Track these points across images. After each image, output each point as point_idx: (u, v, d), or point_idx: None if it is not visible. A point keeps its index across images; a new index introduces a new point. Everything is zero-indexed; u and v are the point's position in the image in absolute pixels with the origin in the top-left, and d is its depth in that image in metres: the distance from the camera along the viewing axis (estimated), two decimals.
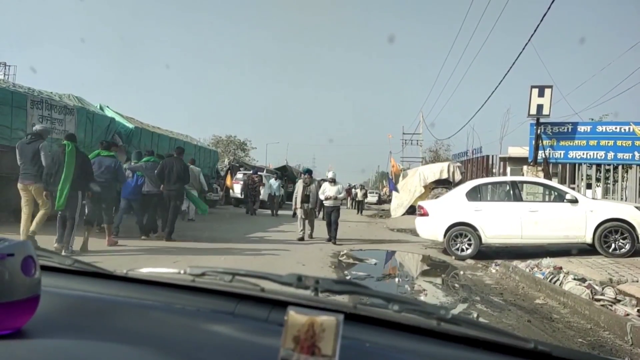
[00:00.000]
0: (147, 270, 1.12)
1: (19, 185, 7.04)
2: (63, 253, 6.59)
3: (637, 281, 5.98)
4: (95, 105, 12.96)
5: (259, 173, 20.53)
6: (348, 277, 6.82)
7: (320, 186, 11.26)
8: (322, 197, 10.55)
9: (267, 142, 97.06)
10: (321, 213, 12.61)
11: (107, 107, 13.50)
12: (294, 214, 14.91)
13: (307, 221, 10.75)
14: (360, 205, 25.41)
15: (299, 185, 10.99)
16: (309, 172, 11.56)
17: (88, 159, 7.34)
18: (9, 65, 30.43)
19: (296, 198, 10.83)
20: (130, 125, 13.49)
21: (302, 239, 10.46)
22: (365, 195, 27.33)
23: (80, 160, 6.95)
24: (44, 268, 0.90)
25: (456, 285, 6.84)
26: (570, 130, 13.26)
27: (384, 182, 46.33)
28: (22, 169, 7.02)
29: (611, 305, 5.19)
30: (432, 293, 6.18)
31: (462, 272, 7.71)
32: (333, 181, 10.82)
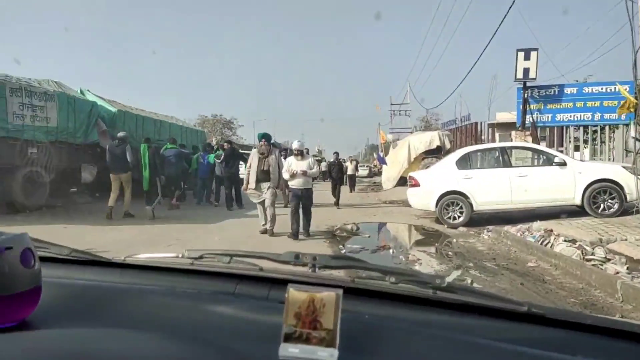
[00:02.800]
0: (145, 256, 1.12)
1: (112, 176, 9.75)
2: (151, 213, 9.57)
3: (626, 239, 6.11)
4: (76, 89, 12.73)
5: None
6: (343, 251, 6.89)
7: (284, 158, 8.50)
8: (286, 175, 7.59)
9: (254, 120, 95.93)
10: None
11: (88, 91, 13.27)
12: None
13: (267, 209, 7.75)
14: (351, 181, 21.40)
15: (252, 157, 7.86)
16: (265, 137, 7.94)
17: (158, 153, 10.85)
18: None
19: (249, 175, 7.83)
20: (113, 109, 13.30)
21: (265, 232, 7.76)
22: (356, 169, 23.58)
23: (152, 155, 10.21)
24: (43, 259, 0.90)
25: (450, 253, 6.94)
26: (557, 92, 13.29)
27: (374, 154, 46.40)
28: (112, 164, 9.72)
29: (602, 265, 5.32)
30: (426, 262, 6.28)
31: (455, 240, 7.82)
32: (300, 153, 7.73)
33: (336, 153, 16.12)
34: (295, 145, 7.99)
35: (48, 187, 10.49)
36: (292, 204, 7.73)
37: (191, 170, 13.15)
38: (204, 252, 1.04)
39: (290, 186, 7.77)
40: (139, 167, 9.92)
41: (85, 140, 11.78)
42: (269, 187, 7.67)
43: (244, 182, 8.06)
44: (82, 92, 12.99)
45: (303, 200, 7.67)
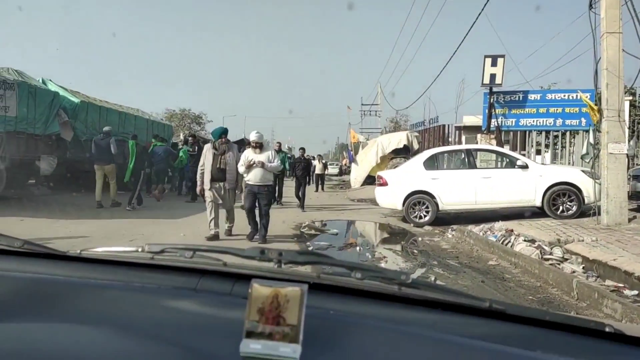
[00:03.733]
0: (102, 250, 1.08)
1: (96, 166, 10.44)
2: (127, 208, 10.08)
3: (583, 240, 6.34)
4: (38, 79, 12.27)
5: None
6: (310, 248, 6.89)
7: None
8: (241, 169, 6.77)
9: (223, 115, 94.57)
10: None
11: (50, 80, 12.82)
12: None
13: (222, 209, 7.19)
14: (320, 180, 20.51)
15: (207, 153, 7.07)
16: (224, 133, 7.14)
17: (145, 150, 11.28)
18: None
19: (202, 173, 7.06)
20: (76, 100, 12.93)
21: (214, 237, 6.94)
22: (325, 167, 22.70)
23: (140, 151, 10.70)
24: None
25: (415, 251, 7.05)
26: (521, 98, 13.69)
27: (344, 153, 46.62)
28: (98, 156, 10.45)
29: (559, 264, 5.51)
30: (392, 260, 6.36)
31: (420, 239, 7.95)
32: (258, 145, 6.81)
33: (302, 149, 14.35)
34: (253, 136, 6.91)
35: (4, 177, 10.07)
36: (247, 202, 6.82)
37: (180, 165, 13.61)
38: (166, 247, 1.00)
39: (246, 182, 6.87)
40: (125, 160, 10.55)
41: (46, 131, 11.38)
42: (227, 188, 6.98)
43: (198, 181, 7.24)
44: (44, 82, 12.54)
45: (260, 199, 6.78)
